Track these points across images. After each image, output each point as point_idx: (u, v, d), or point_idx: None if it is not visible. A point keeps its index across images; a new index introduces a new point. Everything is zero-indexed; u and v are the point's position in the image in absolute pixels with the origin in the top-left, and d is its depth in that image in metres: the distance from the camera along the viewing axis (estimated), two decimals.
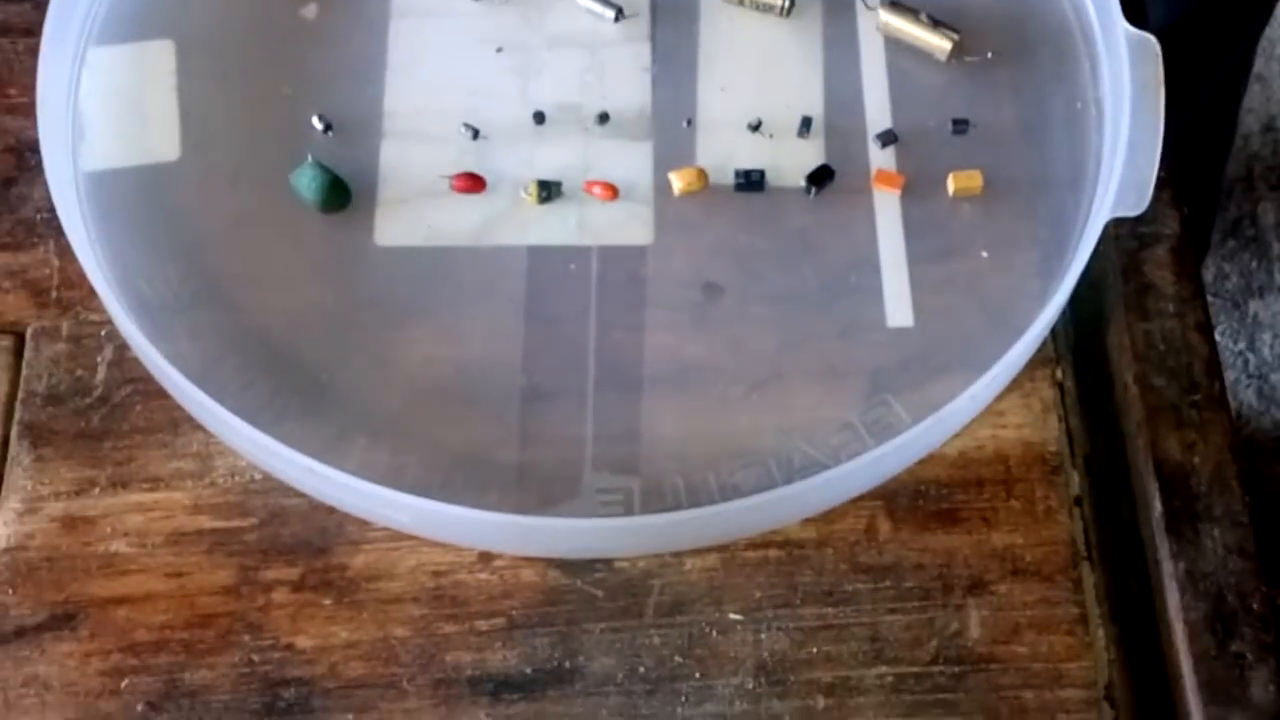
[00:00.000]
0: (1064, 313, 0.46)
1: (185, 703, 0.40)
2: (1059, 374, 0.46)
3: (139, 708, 0.39)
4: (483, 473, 0.42)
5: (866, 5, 0.49)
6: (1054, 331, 0.47)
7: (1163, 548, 0.41)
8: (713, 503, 0.41)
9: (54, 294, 0.46)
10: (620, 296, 0.45)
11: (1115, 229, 0.46)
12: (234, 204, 0.47)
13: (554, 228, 0.46)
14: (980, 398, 0.43)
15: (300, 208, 0.46)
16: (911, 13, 0.48)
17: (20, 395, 0.44)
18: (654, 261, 0.46)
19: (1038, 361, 0.46)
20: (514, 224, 0.46)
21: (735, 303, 0.46)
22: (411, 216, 0.46)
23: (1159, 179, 0.44)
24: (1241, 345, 1.08)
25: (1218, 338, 0.62)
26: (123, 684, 0.40)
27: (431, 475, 0.42)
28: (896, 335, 0.44)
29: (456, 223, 0.46)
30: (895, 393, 0.43)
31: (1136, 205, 0.43)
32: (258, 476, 0.44)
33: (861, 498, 0.43)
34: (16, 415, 0.44)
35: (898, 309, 0.45)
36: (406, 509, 0.40)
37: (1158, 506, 0.42)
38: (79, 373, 0.44)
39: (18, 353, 0.44)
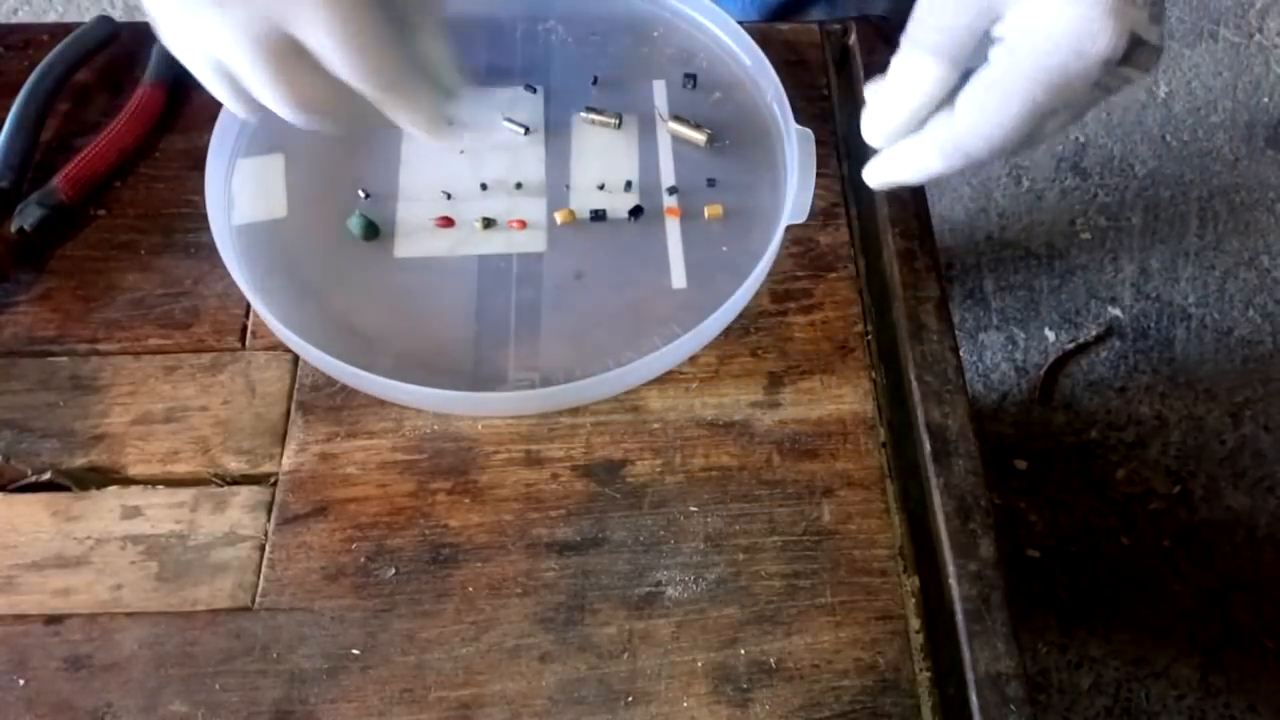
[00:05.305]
0: (876, 335, 0.52)
1: (387, 557, 0.47)
2: (874, 374, 0.52)
3: (361, 560, 0.46)
4: (454, 372, 0.51)
5: (662, 118, 0.58)
6: (870, 349, 0.52)
7: (931, 470, 0.48)
8: (576, 380, 0.48)
9: None
10: (529, 280, 0.54)
11: (904, 295, 0.52)
12: (317, 240, 0.55)
13: (493, 244, 0.55)
14: (720, 320, 0.51)
15: (353, 240, 0.54)
16: (685, 121, 0.58)
17: (296, 386, 0.51)
18: (547, 261, 0.54)
19: (862, 367, 0.51)
20: (471, 243, 0.55)
21: (591, 282, 0.54)
22: (415, 241, 0.55)
23: (927, 263, 0.52)
24: (974, 358, 1.29)
25: (961, 354, 0.68)
26: (352, 546, 0.47)
27: (429, 376, 0.50)
28: (678, 292, 0.54)
29: (439, 243, 0.55)
30: (676, 322, 0.52)
31: (801, 218, 0.51)
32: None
33: (761, 441, 0.49)
34: (295, 397, 0.51)
35: (678, 277, 0.54)
36: (415, 394, 0.48)
37: (928, 447, 0.48)
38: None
39: (294, 363, 0.52)
